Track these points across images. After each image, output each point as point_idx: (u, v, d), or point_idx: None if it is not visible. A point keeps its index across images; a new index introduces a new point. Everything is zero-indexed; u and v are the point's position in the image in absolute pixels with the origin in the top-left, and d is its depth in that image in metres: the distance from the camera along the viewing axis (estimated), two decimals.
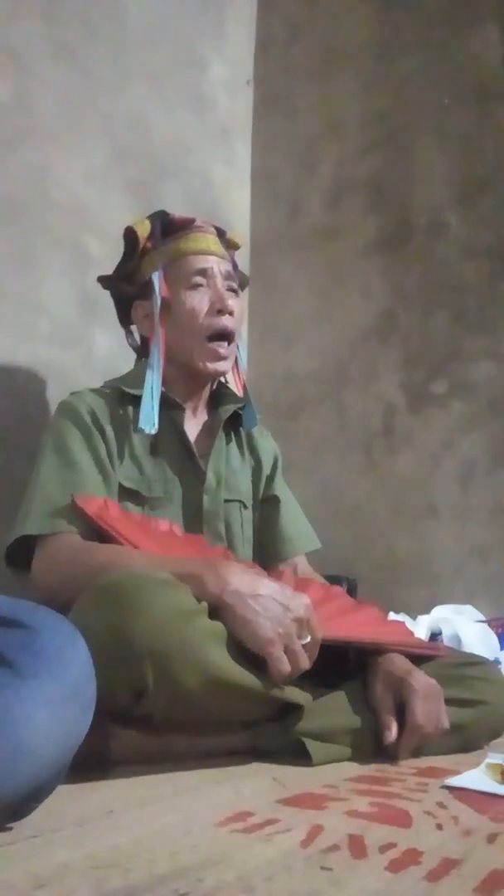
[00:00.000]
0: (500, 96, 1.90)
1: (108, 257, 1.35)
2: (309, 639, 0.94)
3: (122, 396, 1.22)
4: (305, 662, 0.93)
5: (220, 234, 1.31)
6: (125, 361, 1.40)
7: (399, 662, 1.01)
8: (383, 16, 2.13)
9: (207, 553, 1.14)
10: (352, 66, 2.18)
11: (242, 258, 1.72)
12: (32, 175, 1.54)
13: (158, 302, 1.22)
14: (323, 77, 2.24)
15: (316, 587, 1.22)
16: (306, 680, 0.99)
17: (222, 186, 2.15)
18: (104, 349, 1.61)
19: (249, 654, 0.90)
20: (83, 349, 1.60)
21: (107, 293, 1.36)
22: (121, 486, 1.16)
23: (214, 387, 1.34)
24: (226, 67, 2.20)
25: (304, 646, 0.93)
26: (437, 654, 1.12)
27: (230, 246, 1.33)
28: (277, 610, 0.91)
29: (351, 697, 1.00)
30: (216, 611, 0.90)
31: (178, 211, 1.30)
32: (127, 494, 1.16)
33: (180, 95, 2.00)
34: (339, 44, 2.22)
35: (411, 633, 1.24)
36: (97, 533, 1.05)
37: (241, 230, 2.01)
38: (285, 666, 0.90)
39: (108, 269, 1.33)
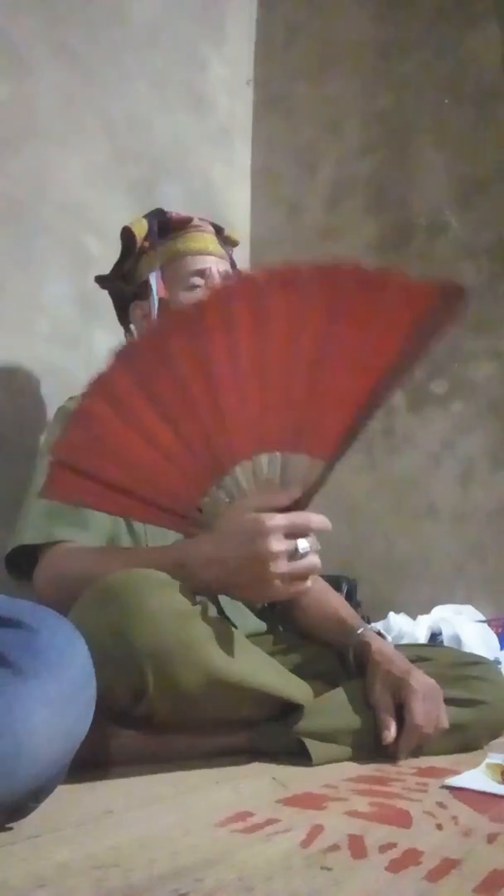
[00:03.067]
0: (500, 96, 1.90)
1: (108, 257, 1.35)
2: (304, 544, 0.86)
3: None
4: (314, 563, 0.87)
5: (218, 231, 1.31)
6: None
7: (398, 662, 1.01)
8: (383, 16, 2.14)
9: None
10: (352, 66, 2.18)
11: (242, 258, 1.72)
12: (32, 175, 1.54)
13: (156, 303, 1.22)
14: (323, 77, 2.24)
15: None
16: (304, 676, 0.99)
17: (222, 186, 2.15)
18: (104, 349, 1.59)
19: (252, 649, 0.90)
20: (83, 349, 1.60)
21: (107, 293, 1.36)
22: None
23: None
24: (226, 67, 2.20)
25: (303, 555, 0.86)
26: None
27: (228, 243, 1.32)
28: (256, 567, 0.84)
29: (351, 697, 0.99)
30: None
31: (178, 211, 1.30)
32: None
33: (180, 95, 2.00)
34: (339, 44, 2.22)
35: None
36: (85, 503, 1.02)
37: (241, 230, 2.01)
38: (303, 586, 0.87)
39: (108, 269, 1.33)
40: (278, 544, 0.84)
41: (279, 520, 0.85)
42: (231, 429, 0.88)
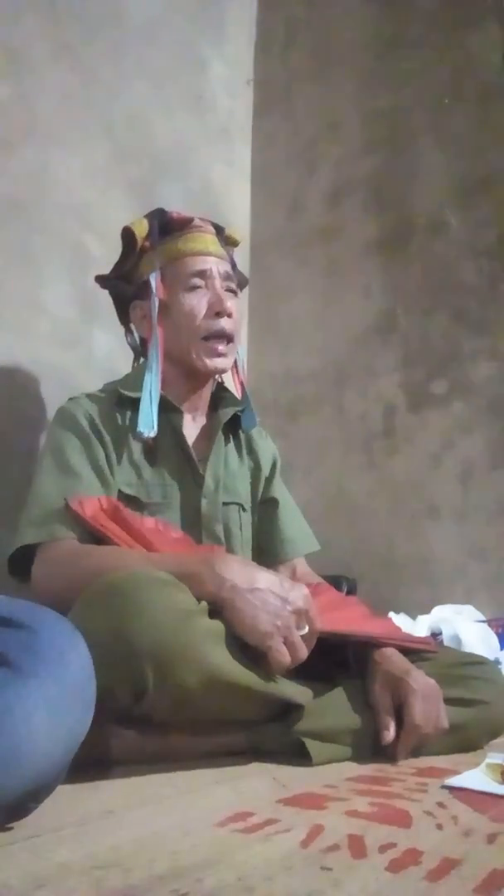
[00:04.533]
0: (500, 96, 1.90)
1: (108, 257, 1.35)
2: (307, 629, 0.94)
3: (121, 400, 1.21)
4: (304, 652, 0.93)
5: (219, 231, 1.31)
6: (125, 362, 1.40)
7: (398, 662, 1.01)
8: (383, 16, 2.13)
9: (198, 549, 1.13)
10: (352, 65, 2.18)
11: (242, 258, 1.72)
12: (32, 175, 1.54)
13: (156, 303, 1.22)
14: (323, 77, 2.24)
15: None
16: (304, 676, 0.99)
17: (222, 186, 2.15)
18: (104, 349, 1.61)
19: (249, 649, 0.90)
20: (83, 349, 1.60)
21: (107, 293, 1.36)
22: (120, 492, 1.15)
23: (213, 389, 1.34)
24: (226, 67, 2.20)
25: (302, 636, 0.93)
26: (427, 648, 1.12)
27: (229, 243, 1.32)
28: (276, 602, 0.92)
29: (351, 697, 0.99)
30: (215, 608, 0.90)
31: (178, 211, 1.30)
32: (126, 500, 1.15)
33: (180, 95, 2.00)
34: (339, 44, 2.21)
35: (399, 629, 1.24)
36: (94, 536, 1.05)
37: (241, 230, 2.01)
38: (285, 657, 0.90)
39: (108, 269, 1.33)
40: (305, 605, 0.94)
41: (311, 602, 0.96)
42: None
